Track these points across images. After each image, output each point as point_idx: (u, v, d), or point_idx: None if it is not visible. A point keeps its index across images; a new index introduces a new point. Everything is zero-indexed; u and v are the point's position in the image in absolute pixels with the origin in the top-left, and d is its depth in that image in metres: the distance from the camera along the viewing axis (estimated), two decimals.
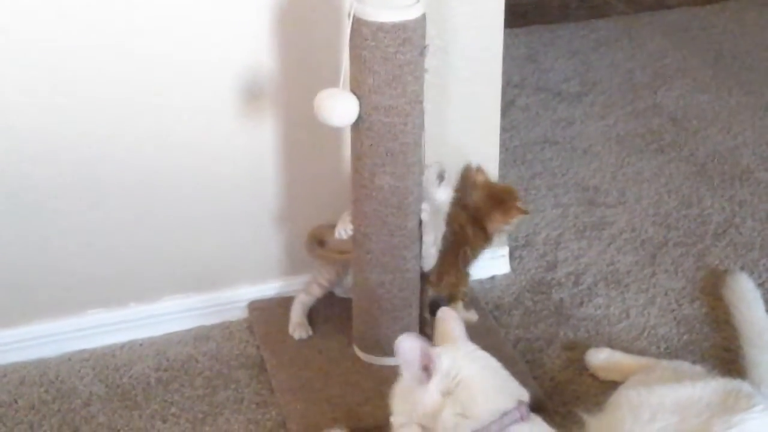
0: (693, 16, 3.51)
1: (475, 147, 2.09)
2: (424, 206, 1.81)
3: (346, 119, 1.68)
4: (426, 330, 1.90)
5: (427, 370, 1.45)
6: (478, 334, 1.95)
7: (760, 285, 2.12)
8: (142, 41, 1.79)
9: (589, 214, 2.42)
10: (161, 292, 2.02)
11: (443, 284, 1.96)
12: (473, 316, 2.02)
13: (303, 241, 1.98)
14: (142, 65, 1.81)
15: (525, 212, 1.99)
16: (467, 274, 2.01)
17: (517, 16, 3.39)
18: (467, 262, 1.99)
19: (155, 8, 1.77)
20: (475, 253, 2.00)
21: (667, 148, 2.70)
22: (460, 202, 1.98)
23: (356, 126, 1.71)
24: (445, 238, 1.92)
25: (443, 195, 1.89)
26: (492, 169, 2.09)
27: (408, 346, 1.45)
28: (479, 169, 2.03)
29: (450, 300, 2.00)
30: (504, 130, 2.38)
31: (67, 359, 1.96)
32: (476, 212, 1.98)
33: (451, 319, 1.56)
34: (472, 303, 2.05)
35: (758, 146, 2.69)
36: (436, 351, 1.46)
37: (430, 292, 1.95)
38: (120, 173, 1.88)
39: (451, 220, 1.94)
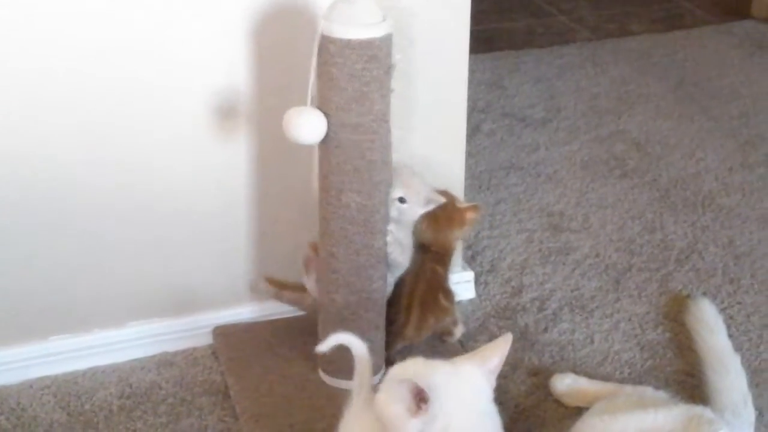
0: (656, 43, 3.56)
1: (441, 172, 2.09)
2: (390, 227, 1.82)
3: (313, 136, 1.69)
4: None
5: (418, 400, 1.38)
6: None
7: (723, 310, 2.14)
8: (112, 62, 1.78)
9: (554, 239, 2.43)
10: (125, 317, 2.00)
11: (424, 330, 1.95)
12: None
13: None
14: (112, 86, 1.80)
15: (475, 208, 1.95)
16: (451, 301, 1.99)
17: (482, 41, 3.42)
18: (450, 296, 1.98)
19: (126, 29, 1.77)
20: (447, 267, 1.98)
21: (630, 173, 2.73)
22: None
23: (324, 144, 1.72)
24: (414, 287, 1.92)
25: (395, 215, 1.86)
26: (458, 194, 2.09)
27: (401, 386, 1.38)
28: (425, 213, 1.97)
29: (443, 334, 1.99)
30: (469, 155, 2.40)
31: (29, 386, 1.94)
32: (433, 244, 1.95)
33: (500, 351, 1.45)
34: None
35: (720, 172, 2.73)
36: (434, 387, 1.38)
37: (402, 344, 1.94)
38: (84, 196, 1.87)
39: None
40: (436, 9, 1.94)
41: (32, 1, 1.70)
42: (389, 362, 1.89)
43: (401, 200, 1.83)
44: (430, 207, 1.87)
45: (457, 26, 1.98)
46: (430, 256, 1.95)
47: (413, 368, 1.42)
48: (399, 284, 1.93)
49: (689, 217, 2.53)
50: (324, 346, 1.58)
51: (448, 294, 1.99)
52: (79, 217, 1.89)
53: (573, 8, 3.95)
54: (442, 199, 1.88)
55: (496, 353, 1.45)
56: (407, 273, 1.92)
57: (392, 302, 1.93)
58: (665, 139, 2.90)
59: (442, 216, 1.94)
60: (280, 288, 1.98)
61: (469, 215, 1.95)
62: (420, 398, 1.37)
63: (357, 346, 1.57)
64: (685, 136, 2.91)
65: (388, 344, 1.93)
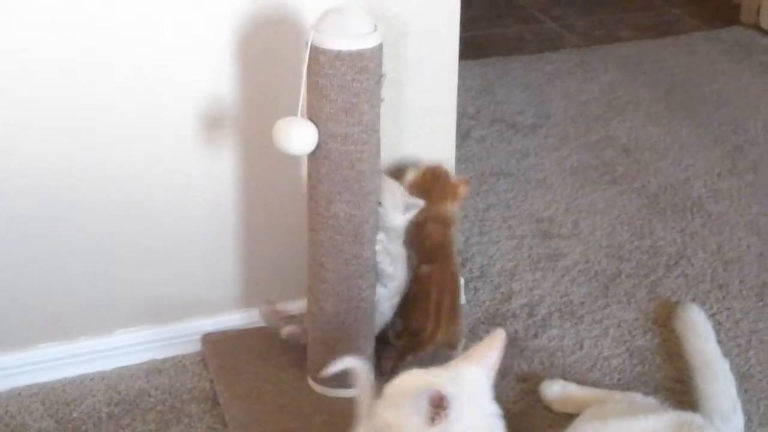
0: (645, 50, 3.57)
1: None
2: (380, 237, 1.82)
3: (304, 147, 1.69)
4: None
5: (436, 408, 1.36)
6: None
7: (711, 316, 2.14)
8: (100, 71, 1.78)
9: (544, 245, 2.44)
10: (113, 325, 2.00)
11: (452, 333, 1.96)
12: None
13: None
14: (99, 95, 1.80)
15: (465, 182, 2.01)
16: (459, 308, 2.01)
17: (471, 48, 3.42)
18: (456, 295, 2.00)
19: (114, 38, 1.76)
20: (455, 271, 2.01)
21: (620, 179, 2.73)
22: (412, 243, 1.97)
23: (313, 154, 1.72)
24: (441, 296, 1.94)
25: (400, 219, 1.87)
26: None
27: (425, 396, 1.36)
28: (413, 176, 2.00)
29: (449, 348, 1.98)
30: (459, 161, 2.40)
31: (17, 394, 1.93)
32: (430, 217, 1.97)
33: (493, 346, 1.47)
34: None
35: (709, 178, 2.73)
36: (454, 397, 1.37)
37: (429, 349, 1.94)
38: (72, 203, 1.87)
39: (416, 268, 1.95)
40: (426, 16, 1.94)
41: (21, 8, 1.70)
42: (398, 367, 1.89)
43: (377, 204, 1.83)
44: (411, 213, 1.88)
45: (447, 33, 1.98)
46: (444, 260, 1.96)
47: (421, 378, 1.41)
48: (419, 291, 1.94)
49: (678, 223, 2.53)
50: (329, 370, 1.57)
51: (456, 315, 2.00)
52: (67, 225, 1.88)
53: (562, 15, 3.96)
54: (421, 203, 1.89)
55: (491, 351, 1.45)
56: (429, 278, 1.94)
57: (410, 313, 1.94)
58: (654, 146, 2.90)
59: (435, 188, 1.97)
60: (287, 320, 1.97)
61: (462, 189, 1.99)
62: (438, 406, 1.36)
63: (361, 372, 1.55)
64: (674, 143, 2.92)
65: (410, 352, 1.92)
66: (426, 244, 1.98)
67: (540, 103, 3.15)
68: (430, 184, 1.98)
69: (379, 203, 1.82)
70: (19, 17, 1.70)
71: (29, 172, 1.82)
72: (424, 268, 1.96)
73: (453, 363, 1.46)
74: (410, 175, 2.00)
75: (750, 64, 3.45)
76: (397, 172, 2.01)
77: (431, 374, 1.42)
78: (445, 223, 2.02)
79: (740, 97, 3.20)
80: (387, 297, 1.90)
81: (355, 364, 1.55)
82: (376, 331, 1.92)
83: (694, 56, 3.51)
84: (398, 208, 1.85)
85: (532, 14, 3.98)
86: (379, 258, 1.82)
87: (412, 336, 1.94)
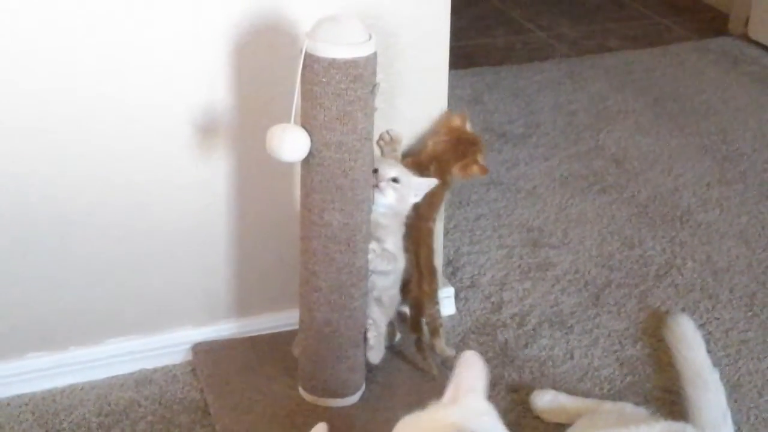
0: (634, 60, 3.58)
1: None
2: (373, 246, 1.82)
3: (297, 154, 1.69)
4: (421, 339, 1.96)
5: None
6: (424, 376, 1.96)
7: (701, 326, 2.15)
8: (93, 78, 1.77)
9: (534, 255, 2.44)
10: (102, 334, 1.99)
11: (434, 290, 1.99)
12: (451, 351, 2.03)
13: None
14: (91, 102, 1.79)
15: (485, 170, 1.98)
16: (434, 266, 2.02)
17: (461, 57, 3.43)
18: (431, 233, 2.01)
19: (107, 45, 1.76)
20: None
21: (609, 189, 2.74)
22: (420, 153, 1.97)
23: (306, 162, 1.72)
24: (418, 250, 1.96)
25: (394, 196, 1.85)
26: (440, 213, 2.10)
27: None
28: (460, 115, 2.00)
29: (432, 334, 2.01)
30: None
31: (6, 404, 1.92)
32: (435, 160, 1.96)
33: (475, 369, 1.46)
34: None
35: (698, 188, 2.74)
36: (479, 426, 1.37)
37: (427, 301, 1.97)
38: (62, 213, 1.86)
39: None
40: (416, 25, 1.94)
41: (15, 17, 1.69)
42: (420, 337, 1.96)
43: (395, 180, 1.83)
44: (425, 189, 1.88)
45: (437, 42, 1.98)
46: (421, 214, 1.96)
47: (440, 420, 1.38)
48: None
49: (667, 232, 2.54)
50: None
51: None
52: (57, 234, 1.87)
53: (552, 25, 3.97)
54: (435, 181, 1.89)
55: (475, 374, 1.44)
56: (409, 238, 1.95)
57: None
58: (643, 155, 2.91)
59: (464, 146, 1.96)
60: None
61: (476, 171, 1.97)
62: None
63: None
64: (663, 152, 2.93)
65: (418, 314, 1.97)
66: None
67: (529, 113, 3.16)
68: (464, 143, 1.96)
69: (397, 179, 1.82)
70: (11, 24, 1.70)
71: (19, 181, 1.81)
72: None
73: (448, 398, 1.43)
74: (456, 122, 1.99)
75: (738, 74, 3.47)
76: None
77: (441, 413, 1.40)
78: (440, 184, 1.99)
79: (729, 107, 3.21)
80: (393, 283, 1.91)
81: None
82: (392, 313, 1.96)
83: (683, 66, 3.52)
84: (413, 185, 1.86)
85: (521, 24, 3.99)
86: (376, 262, 1.82)
87: (402, 288, 1.96)
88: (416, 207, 1.92)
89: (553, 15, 4.08)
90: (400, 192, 1.85)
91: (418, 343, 1.98)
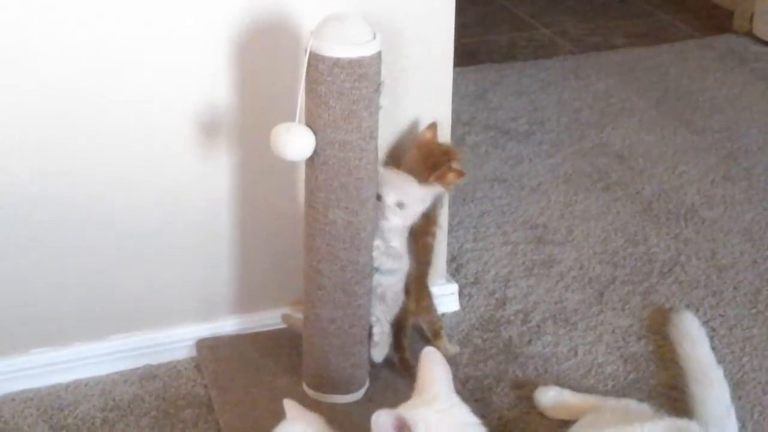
0: (638, 57, 3.58)
1: None
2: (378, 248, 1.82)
3: (301, 153, 1.69)
4: (405, 358, 1.94)
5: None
6: None
7: (705, 323, 2.15)
8: (95, 76, 1.78)
9: (538, 251, 2.44)
10: (107, 330, 1.99)
11: (422, 308, 1.98)
12: (455, 348, 2.04)
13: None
14: (94, 100, 1.80)
15: (461, 174, 1.94)
16: (431, 299, 2.02)
17: (465, 54, 3.43)
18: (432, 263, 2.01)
19: (109, 44, 1.76)
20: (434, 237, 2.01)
21: (613, 186, 2.74)
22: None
23: (311, 160, 1.72)
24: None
25: (399, 220, 1.85)
26: (444, 208, 2.10)
27: (383, 420, 1.38)
28: (430, 126, 1.98)
29: (434, 337, 2.01)
30: None
31: (11, 399, 1.93)
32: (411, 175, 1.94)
33: (436, 364, 1.49)
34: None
35: (702, 185, 2.74)
36: (413, 420, 1.39)
37: (411, 320, 1.96)
38: (66, 209, 1.86)
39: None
40: (420, 23, 1.94)
41: (14, 14, 1.70)
42: (404, 356, 1.94)
43: (400, 205, 1.83)
44: (431, 197, 1.87)
45: (441, 40, 1.99)
46: (417, 229, 1.95)
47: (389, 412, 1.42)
48: None
49: (672, 229, 2.54)
50: None
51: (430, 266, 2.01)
52: (62, 231, 1.88)
53: (556, 22, 3.97)
54: (438, 187, 1.88)
55: (436, 368, 1.47)
56: None
57: None
58: (648, 152, 2.91)
59: (437, 157, 1.93)
60: None
61: (452, 177, 1.93)
62: (402, 428, 1.38)
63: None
64: (667, 149, 2.93)
65: (400, 333, 1.95)
66: None
67: (534, 110, 3.16)
68: (437, 154, 1.93)
69: (402, 204, 1.82)
70: (19, 24, 1.70)
71: (21, 178, 1.82)
72: None
73: (415, 393, 1.47)
74: (428, 135, 1.97)
75: (743, 71, 3.46)
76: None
77: (401, 407, 1.43)
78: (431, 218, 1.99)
79: (733, 104, 3.21)
80: (398, 280, 1.90)
81: None
82: (396, 311, 1.93)
83: (688, 63, 3.52)
84: (419, 202, 1.85)
85: (525, 21, 3.99)
86: (377, 263, 1.82)
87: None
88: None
89: (557, 12, 4.08)
90: (406, 212, 1.84)
91: (402, 362, 1.95)
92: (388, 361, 1.95)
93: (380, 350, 1.89)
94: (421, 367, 1.50)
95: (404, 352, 1.96)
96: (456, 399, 1.48)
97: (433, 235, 2.00)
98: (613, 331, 2.16)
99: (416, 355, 1.88)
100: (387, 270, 1.86)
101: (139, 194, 1.90)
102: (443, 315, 2.17)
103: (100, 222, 1.90)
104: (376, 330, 1.86)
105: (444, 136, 2.08)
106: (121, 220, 1.91)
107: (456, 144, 2.81)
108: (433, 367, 1.48)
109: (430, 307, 2.03)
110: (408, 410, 1.41)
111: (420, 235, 1.95)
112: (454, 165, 1.93)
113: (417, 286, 1.98)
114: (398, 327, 1.96)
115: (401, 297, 1.95)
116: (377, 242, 1.81)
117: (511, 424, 1.90)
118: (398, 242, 1.86)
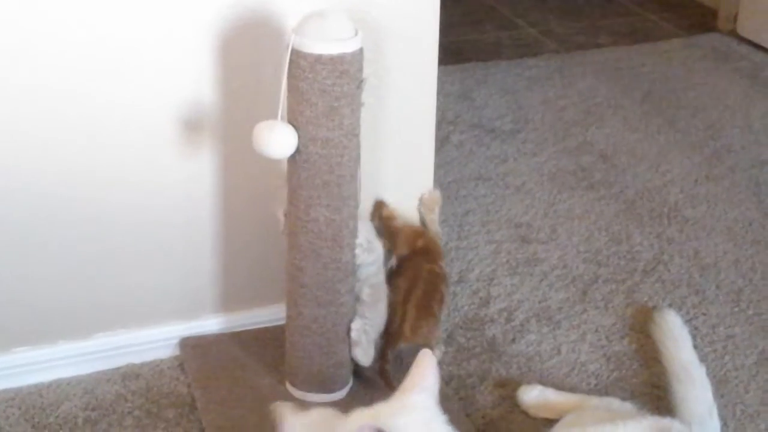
0: (623, 56, 3.59)
1: (410, 183, 2.10)
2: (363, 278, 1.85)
3: (284, 151, 1.69)
4: (385, 369, 1.91)
5: None
6: None
7: (688, 322, 2.15)
8: (78, 75, 1.77)
9: (522, 250, 2.44)
10: (90, 329, 1.98)
11: (419, 335, 1.95)
12: (440, 351, 2.04)
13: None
14: (77, 99, 1.79)
15: (437, 200, 2.06)
16: (440, 319, 2.02)
17: (450, 53, 3.43)
18: (444, 300, 2.02)
19: (92, 42, 1.76)
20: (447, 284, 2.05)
21: (597, 185, 2.74)
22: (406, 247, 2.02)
23: (293, 158, 1.72)
24: (412, 287, 1.96)
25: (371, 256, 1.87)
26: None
27: None
28: (378, 206, 2.05)
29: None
30: (438, 166, 2.40)
31: None
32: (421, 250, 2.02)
33: (428, 369, 1.46)
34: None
35: (686, 184, 2.75)
36: (392, 427, 1.36)
37: (402, 345, 1.93)
38: (49, 208, 1.85)
39: (411, 267, 1.97)
40: (405, 21, 1.94)
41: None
42: (385, 367, 1.91)
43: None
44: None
45: (426, 38, 1.98)
46: (424, 257, 1.97)
47: (362, 416, 1.40)
48: (393, 285, 1.95)
49: (655, 228, 2.55)
50: None
51: (442, 300, 2.01)
52: (43, 229, 1.87)
53: (541, 21, 3.98)
54: (380, 249, 1.91)
55: (426, 373, 1.44)
56: (404, 275, 1.96)
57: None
58: (632, 151, 2.92)
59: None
60: None
61: (432, 204, 2.08)
62: None
63: None
64: (651, 148, 2.94)
65: (387, 346, 1.92)
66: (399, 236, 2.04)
67: (518, 109, 3.16)
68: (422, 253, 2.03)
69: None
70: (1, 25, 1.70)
71: (3, 177, 1.81)
72: (396, 260, 2.01)
73: (395, 396, 1.45)
74: (386, 212, 2.06)
75: (727, 70, 3.47)
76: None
77: (374, 410, 1.41)
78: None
79: (717, 103, 3.22)
80: (377, 269, 1.90)
81: None
82: (379, 312, 1.92)
83: (672, 63, 3.53)
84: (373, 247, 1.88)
85: (511, 20, 4.00)
86: (359, 260, 1.82)
87: (385, 330, 1.94)
88: (422, 249, 1.98)
89: (542, 11, 4.08)
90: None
91: (383, 373, 1.92)
92: (372, 361, 1.95)
93: (363, 350, 1.87)
94: (414, 367, 1.47)
95: (386, 364, 1.93)
96: (436, 410, 1.44)
97: (440, 266, 2.03)
98: (596, 330, 2.17)
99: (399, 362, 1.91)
100: (368, 264, 1.85)
101: (122, 193, 1.89)
102: None
103: (82, 221, 1.89)
104: (354, 326, 1.84)
105: (429, 133, 2.08)
106: (104, 219, 1.90)
107: (440, 143, 2.83)
108: (425, 372, 1.45)
109: (430, 339, 1.97)
110: (388, 419, 1.38)
111: (426, 261, 2.00)
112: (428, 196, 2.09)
113: (417, 313, 1.95)
114: (387, 342, 1.93)
115: (384, 289, 1.93)
116: (359, 239, 1.81)
117: (494, 423, 1.90)
118: (365, 232, 1.86)
